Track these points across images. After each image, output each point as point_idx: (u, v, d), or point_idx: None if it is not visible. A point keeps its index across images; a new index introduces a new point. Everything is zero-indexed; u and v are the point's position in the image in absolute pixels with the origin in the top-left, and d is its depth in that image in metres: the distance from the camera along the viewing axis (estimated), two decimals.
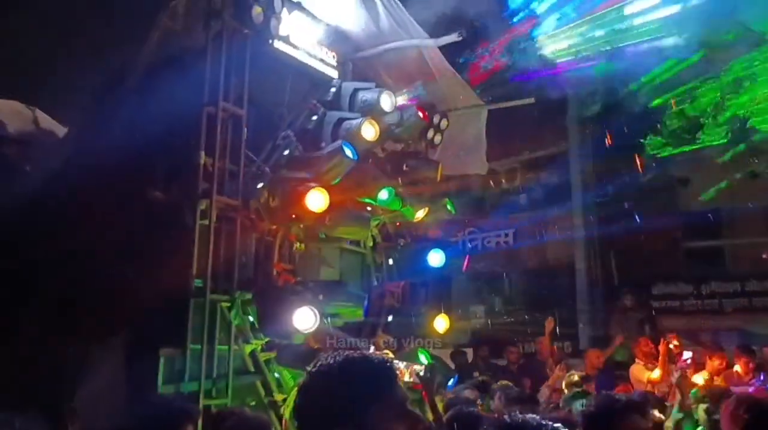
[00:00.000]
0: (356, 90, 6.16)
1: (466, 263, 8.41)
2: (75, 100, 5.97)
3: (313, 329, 4.95)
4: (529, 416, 2.20)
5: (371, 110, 5.95)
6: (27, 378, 4.81)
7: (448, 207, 6.86)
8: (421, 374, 5.20)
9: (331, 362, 1.85)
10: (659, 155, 13.08)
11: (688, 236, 13.66)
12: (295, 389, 4.90)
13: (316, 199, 5.11)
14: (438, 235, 7.34)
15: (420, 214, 6.46)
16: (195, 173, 4.94)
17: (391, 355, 5.93)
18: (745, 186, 13.01)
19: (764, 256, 12.90)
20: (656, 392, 7.23)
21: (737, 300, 12.44)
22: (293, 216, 5.29)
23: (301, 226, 5.53)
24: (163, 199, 5.16)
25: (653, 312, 12.74)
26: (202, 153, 4.96)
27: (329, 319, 5.46)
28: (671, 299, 12.94)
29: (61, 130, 6.54)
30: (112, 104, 5.61)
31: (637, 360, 8.33)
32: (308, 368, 1.89)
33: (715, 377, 7.51)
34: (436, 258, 6.78)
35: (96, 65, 5.71)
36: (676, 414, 6.03)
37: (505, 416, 2.27)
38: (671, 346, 7.79)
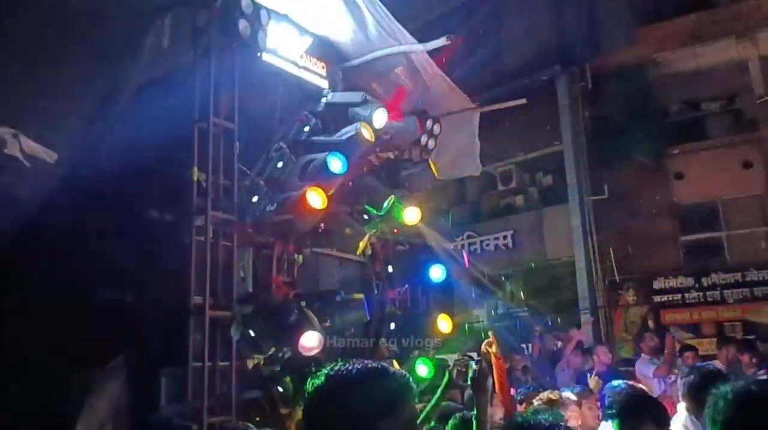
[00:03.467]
0: (348, 106, 6.13)
1: (466, 258, 8.39)
2: (61, 125, 5.96)
3: (319, 349, 4.94)
4: (542, 416, 2.19)
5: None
6: (31, 409, 4.77)
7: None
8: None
9: (350, 368, 1.86)
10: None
11: (686, 229, 13.67)
12: (301, 402, 4.89)
13: (315, 198, 5.08)
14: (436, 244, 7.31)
15: (413, 216, 6.37)
16: (189, 190, 4.92)
17: (396, 364, 5.92)
18: (738, 176, 13.06)
19: (763, 245, 12.91)
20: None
21: (739, 291, 12.44)
22: (291, 218, 5.20)
23: (298, 234, 5.47)
24: (159, 218, 5.14)
25: (655, 306, 12.75)
26: (195, 169, 4.94)
27: (331, 328, 5.42)
28: (673, 292, 12.94)
29: (48, 156, 6.51)
30: (103, 126, 5.60)
31: (642, 355, 8.32)
32: (325, 372, 1.87)
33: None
34: (437, 272, 6.74)
35: (84, 88, 5.70)
36: None
37: (517, 417, 2.26)
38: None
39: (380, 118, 6.03)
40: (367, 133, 5.75)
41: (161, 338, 4.73)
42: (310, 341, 4.91)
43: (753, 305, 12.19)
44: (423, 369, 6.11)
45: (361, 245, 6.07)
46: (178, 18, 5.38)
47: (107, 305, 5.15)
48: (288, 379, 5.16)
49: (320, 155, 5.46)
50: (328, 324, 5.23)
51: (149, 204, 5.21)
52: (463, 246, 14.95)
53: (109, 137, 5.50)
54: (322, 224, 5.42)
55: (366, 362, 1.90)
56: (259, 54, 5.39)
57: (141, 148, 5.03)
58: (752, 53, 13.43)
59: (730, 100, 13.93)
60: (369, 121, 5.91)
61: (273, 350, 5.22)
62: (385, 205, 6.03)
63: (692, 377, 4.49)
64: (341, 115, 6.11)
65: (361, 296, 5.70)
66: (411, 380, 1.93)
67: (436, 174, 6.67)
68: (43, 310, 5.35)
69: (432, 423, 4.40)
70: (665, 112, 14.26)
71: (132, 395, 4.73)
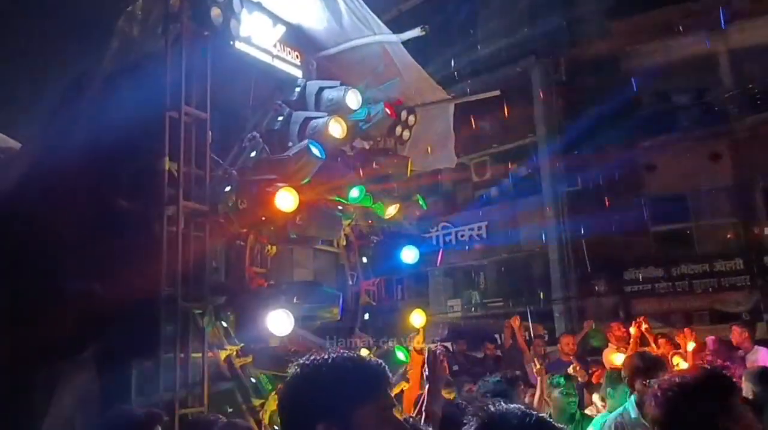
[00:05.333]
0: (321, 89, 6.11)
1: (439, 257, 8.39)
2: (27, 113, 5.83)
3: (289, 332, 4.89)
4: (512, 406, 2.18)
5: (337, 109, 5.90)
6: None
7: (420, 203, 6.84)
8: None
9: (325, 357, 1.85)
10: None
11: (657, 220, 13.89)
12: (274, 393, 4.88)
13: (285, 199, 5.03)
14: (411, 232, 7.29)
15: (391, 210, 6.43)
16: (160, 180, 4.85)
17: (369, 354, 5.92)
18: (707, 168, 13.30)
19: (730, 236, 13.18)
20: None
21: (706, 281, 12.69)
22: (263, 218, 5.21)
23: (272, 228, 5.45)
24: (129, 207, 5.06)
25: (626, 296, 12.96)
26: (167, 159, 4.86)
27: (305, 320, 5.40)
28: (643, 282, 13.16)
29: (14, 146, 6.37)
30: (72, 115, 5.49)
31: (610, 344, 8.45)
32: (300, 362, 1.86)
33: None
34: (409, 255, 6.62)
35: (52, 75, 5.58)
36: None
37: (490, 407, 2.24)
38: (642, 328, 7.85)
39: (353, 99, 5.94)
40: (337, 130, 5.67)
41: (132, 330, 4.66)
42: (280, 322, 4.83)
43: (720, 295, 12.46)
44: (400, 354, 6.24)
45: (336, 235, 6.05)
46: (149, 4, 5.28)
47: (76, 296, 5.07)
48: (261, 370, 5.14)
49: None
50: (300, 304, 5.15)
51: (119, 194, 5.13)
52: (438, 237, 15.02)
53: (77, 126, 5.39)
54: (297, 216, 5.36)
55: (341, 351, 1.89)
56: (231, 42, 5.32)
57: (111, 137, 4.94)
58: (722, 47, 13.65)
59: (701, 93, 14.17)
60: (342, 104, 5.85)
61: (246, 341, 5.18)
62: (357, 194, 5.98)
63: None
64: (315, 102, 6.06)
65: (339, 294, 5.67)
66: (386, 368, 1.92)
67: (410, 166, 6.66)
68: (9, 301, 5.25)
69: None
70: (637, 105, 14.45)
71: (102, 387, 4.67)
